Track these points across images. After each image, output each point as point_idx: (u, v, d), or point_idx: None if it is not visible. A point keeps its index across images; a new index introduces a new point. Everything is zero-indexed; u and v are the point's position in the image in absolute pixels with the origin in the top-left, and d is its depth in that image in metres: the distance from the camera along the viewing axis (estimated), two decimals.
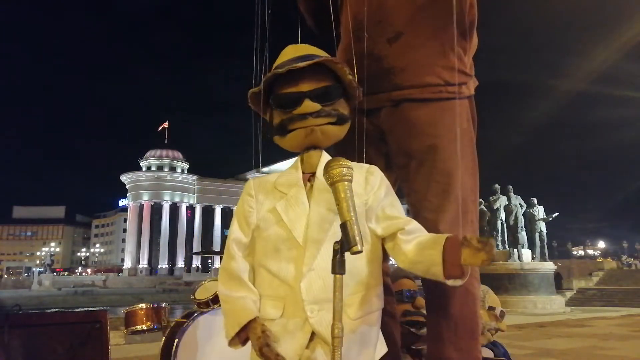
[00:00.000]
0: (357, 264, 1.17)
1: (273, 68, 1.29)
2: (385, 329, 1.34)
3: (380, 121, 1.55)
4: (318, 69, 1.25)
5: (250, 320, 1.15)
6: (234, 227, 1.28)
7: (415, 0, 1.51)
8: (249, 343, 1.17)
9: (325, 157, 1.27)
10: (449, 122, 1.45)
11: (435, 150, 1.45)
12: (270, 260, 1.20)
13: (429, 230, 1.25)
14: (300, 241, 1.17)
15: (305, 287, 1.14)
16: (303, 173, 1.27)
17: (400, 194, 1.42)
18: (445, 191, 1.43)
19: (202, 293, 2.68)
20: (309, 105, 1.23)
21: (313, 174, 1.26)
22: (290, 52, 1.31)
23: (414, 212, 1.48)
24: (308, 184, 1.25)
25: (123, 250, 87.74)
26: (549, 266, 17.31)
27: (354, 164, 1.22)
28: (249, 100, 1.31)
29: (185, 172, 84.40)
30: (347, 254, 1.01)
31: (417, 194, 1.47)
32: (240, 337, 1.17)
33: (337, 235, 1.13)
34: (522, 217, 17.60)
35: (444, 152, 1.44)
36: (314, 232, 1.17)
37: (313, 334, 1.13)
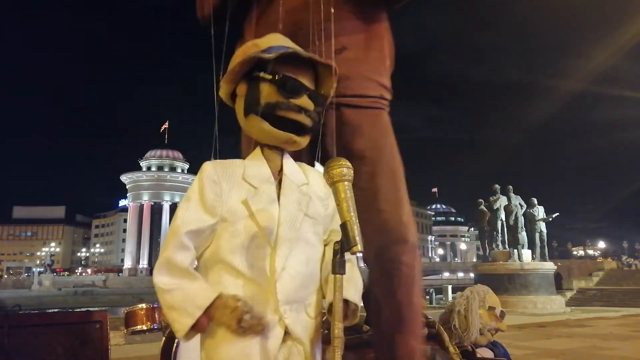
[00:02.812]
0: (316, 266, 1.19)
1: (269, 47, 1.21)
2: None
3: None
4: (309, 68, 1.25)
5: (215, 298, 1.06)
6: (190, 214, 1.12)
7: (355, 19, 1.63)
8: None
9: (287, 156, 1.26)
10: (385, 128, 1.64)
11: (382, 150, 1.59)
12: (236, 257, 1.12)
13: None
14: (272, 239, 1.13)
15: (281, 287, 1.11)
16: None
17: None
18: (395, 187, 1.56)
19: None
20: (307, 102, 1.22)
21: (279, 171, 1.23)
22: (281, 39, 1.28)
23: (364, 205, 1.49)
24: (276, 181, 1.22)
25: (123, 250, 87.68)
26: (549, 266, 17.30)
27: (312, 168, 1.28)
28: (241, 62, 1.20)
29: (186, 172, 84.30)
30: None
31: (364, 191, 1.49)
32: (201, 323, 1.06)
33: (306, 235, 1.17)
34: (522, 217, 17.59)
35: (389, 152, 1.61)
36: (285, 231, 1.14)
37: (285, 335, 1.12)
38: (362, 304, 1.21)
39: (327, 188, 1.20)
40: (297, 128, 1.22)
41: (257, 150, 1.25)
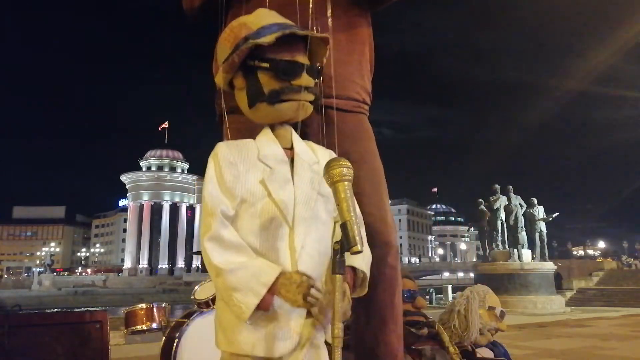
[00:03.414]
0: (328, 243, 1.18)
1: (260, 27, 1.19)
2: None
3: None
4: (301, 43, 1.23)
5: (280, 274, 1.05)
6: (216, 195, 1.11)
7: (338, 22, 1.60)
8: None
9: (295, 134, 1.26)
10: (369, 132, 1.65)
11: (366, 154, 1.59)
12: (256, 238, 1.11)
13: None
14: (290, 219, 1.13)
15: (302, 265, 1.10)
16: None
17: None
18: (379, 190, 1.58)
19: (202, 293, 2.68)
20: (308, 79, 1.21)
21: (289, 149, 1.22)
22: (269, 15, 1.25)
23: None
24: (288, 159, 1.21)
25: (123, 250, 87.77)
26: (549, 266, 17.32)
27: (319, 146, 1.29)
28: (239, 54, 1.18)
29: (185, 172, 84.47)
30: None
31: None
32: (266, 301, 1.03)
33: (319, 214, 1.18)
34: (522, 217, 17.62)
35: (372, 155, 1.61)
36: (301, 210, 1.14)
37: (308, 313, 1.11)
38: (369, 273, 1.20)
39: None
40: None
41: (267, 129, 1.24)
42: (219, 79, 1.25)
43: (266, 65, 1.18)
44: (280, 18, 1.25)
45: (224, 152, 1.16)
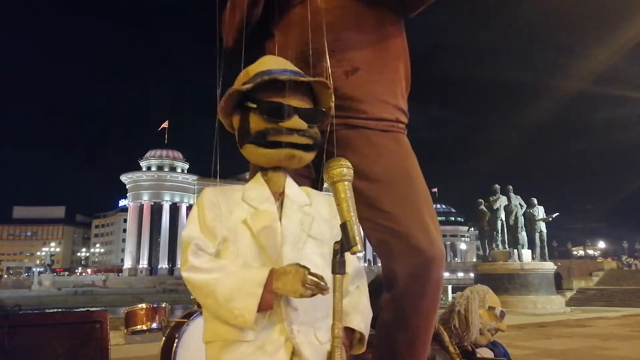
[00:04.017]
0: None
1: (255, 74, 1.22)
2: None
3: (331, 144, 1.52)
4: (301, 87, 1.22)
5: (270, 271, 1.04)
6: (193, 232, 1.12)
7: (369, 38, 1.58)
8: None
9: (290, 179, 1.24)
10: (407, 149, 1.59)
11: (408, 173, 1.54)
12: None
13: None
14: (274, 259, 1.11)
15: (287, 306, 1.07)
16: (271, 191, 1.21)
17: None
18: (420, 210, 1.48)
19: None
20: (298, 122, 1.18)
21: (280, 193, 1.21)
22: (271, 62, 1.27)
23: (391, 231, 1.45)
24: (277, 202, 1.19)
25: (123, 250, 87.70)
26: (549, 266, 17.29)
27: (316, 191, 1.27)
28: (225, 99, 1.21)
29: (185, 172, 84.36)
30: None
31: (388, 214, 1.46)
32: (266, 301, 1.03)
33: (310, 257, 1.14)
34: (522, 217, 17.58)
35: (414, 173, 1.55)
36: (287, 251, 1.12)
37: (292, 355, 1.07)
38: (368, 333, 1.17)
39: (332, 209, 1.19)
40: (296, 146, 1.19)
41: (258, 175, 1.24)
42: (223, 122, 1.27)
43: (254, 106, 1.19)
44: (283, 63, 1.26)
45: (208, 194, 1.18)
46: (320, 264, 1.13)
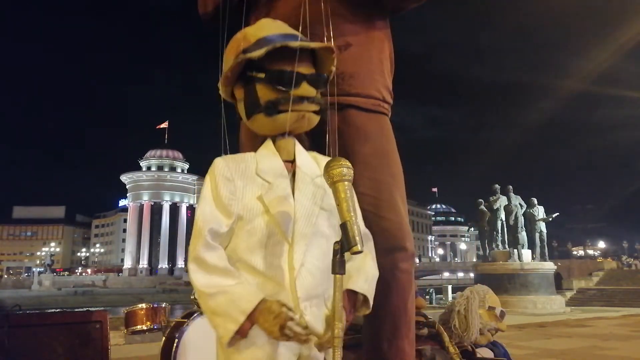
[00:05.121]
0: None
1: (257, 39, 1.18)
2: None
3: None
4: (306, 52, 1.21)
5: (259, 302, 1.03)
6: (208, 213, 1.10)
7: (360, 16, 1.59)
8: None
9: (299, 145, 1.23)
10: (389, 133, 1.61)
11: (386, 157, 1.55)
12: (254, 256, 1.10)
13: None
14: (289, 236, 1.11)
15: (300, 284, 1.09)
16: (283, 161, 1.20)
17: None
18: (396, 194, 1.53)
19: None
20: (307, 89, 1.18)
21: (291, 162, 1.20)
22: (271, 26, 1.24)
23: (365, 212, 1.44)
24: (289, 173, 1.19)
25: (123, 250, 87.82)
26: (549, 266, 17.32)
27: (325, 157, 1.25)
28: (232, 68, 1.17)
29: (185, 172, 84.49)
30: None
31: (366, 197, 1.47)
32: (244, 328, 1.03)
33: (322, 229, 1.15)
34: (522, 217, 17.62)
35: (393, 159, 1.58)
36: (301, 226, 1.12)
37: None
38: (373, 293, 1.17)
39: None
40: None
41: (268, 141, 1.22)
42: (222, 92, 1.24)
43: (262, 75, 1.17)
44: (283, 28, 1.24)
45: (221, 168, 1.15)
46: (330, 234, 1.15)
